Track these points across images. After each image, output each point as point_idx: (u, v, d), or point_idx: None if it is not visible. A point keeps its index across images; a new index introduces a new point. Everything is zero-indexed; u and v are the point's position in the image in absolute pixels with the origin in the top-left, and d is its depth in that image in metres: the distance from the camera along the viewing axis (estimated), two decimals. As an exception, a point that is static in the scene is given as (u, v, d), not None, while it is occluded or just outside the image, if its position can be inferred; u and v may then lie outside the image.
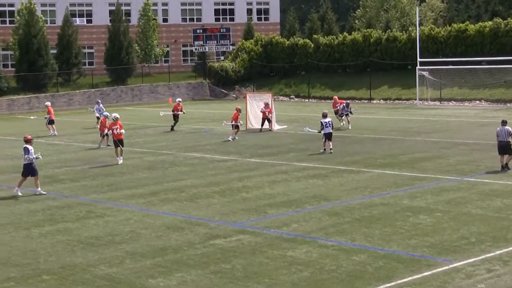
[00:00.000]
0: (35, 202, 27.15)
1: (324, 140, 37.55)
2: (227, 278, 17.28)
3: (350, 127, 46.63)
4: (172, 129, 50.32)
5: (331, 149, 37.27)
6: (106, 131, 39.28)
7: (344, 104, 47.85)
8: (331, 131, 37.64)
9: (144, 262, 18.83)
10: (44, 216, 24.81)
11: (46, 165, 36.40)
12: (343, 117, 47.57)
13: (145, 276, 17.64)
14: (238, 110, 44.71)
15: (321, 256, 18.83)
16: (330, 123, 37.45)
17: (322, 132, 37.43)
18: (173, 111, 52.05)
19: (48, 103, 54.73)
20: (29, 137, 29.51)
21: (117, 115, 37.79)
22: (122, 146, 36.72)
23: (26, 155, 28.27)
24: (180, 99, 55.47)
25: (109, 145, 41.20)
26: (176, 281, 17.16)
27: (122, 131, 37.03)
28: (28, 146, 28.58)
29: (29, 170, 28.53)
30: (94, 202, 26.86)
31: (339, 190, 27.75)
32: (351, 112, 46.97)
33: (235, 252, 19.50)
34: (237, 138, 44.11)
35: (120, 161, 36.09)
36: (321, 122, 37.54)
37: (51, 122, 51.27)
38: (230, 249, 19.82)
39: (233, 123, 44.70)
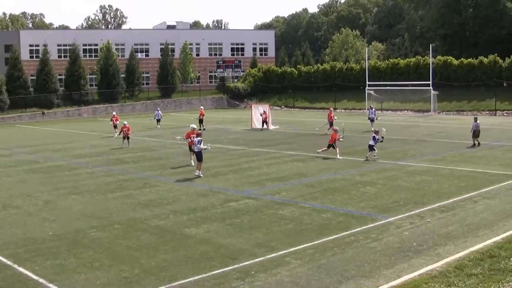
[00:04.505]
0: (110, 176, 27.20)
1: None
2: (238, 228, 17.32)
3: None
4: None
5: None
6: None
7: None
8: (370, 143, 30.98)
9: (182, 217, 18.87)
10: (116, 185, 24.88)
11: (117, 151, 36.47)
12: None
13: (183, 226, 17.68)
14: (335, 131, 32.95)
15: (301, 214, 18.85)
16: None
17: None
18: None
19: (114, 113, 51.74)
20: (199, 132, 28.58)
21: (194, 126, 31.01)
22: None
23: (198, 145, 26.57)
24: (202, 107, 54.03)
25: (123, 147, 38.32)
26: (203, 230, 17.20)
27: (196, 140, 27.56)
28: (200, 138, 27.05)
29: (198, 156, 26.71)
30: (149, 177, 26.89)
31: (314, 170, 27.74)
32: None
33: (243, 211, 19.54)
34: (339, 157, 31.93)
35: (193, 163, 29.14)
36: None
37: (115, 126, 46.94)
38: (240, 209, 19.85)
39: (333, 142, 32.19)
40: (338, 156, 31.23)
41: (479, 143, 34.96)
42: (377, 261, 13.99)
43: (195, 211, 19.61)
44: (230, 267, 13.76)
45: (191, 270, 13.63)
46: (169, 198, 22.01)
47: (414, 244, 15.26)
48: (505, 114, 61.13)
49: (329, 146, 31.98)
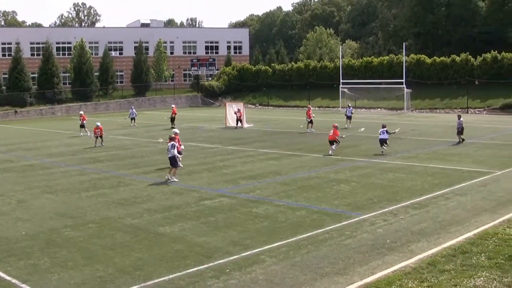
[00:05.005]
0: (84, 175, 27.01)
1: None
2: (212, 226, 17.31)
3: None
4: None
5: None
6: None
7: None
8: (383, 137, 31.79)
9: (156, 216, 18.81)
10: (90, 184, 24.72)
11: (91, 150, 36.21)
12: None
13: (157, 225, 17.62)
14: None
15: (276, 212, 18.90)
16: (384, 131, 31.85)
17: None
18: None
19: (81, 112, 51.02)
20: (173, 135, 25.95)
21: (177, 131, 28.50)
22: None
23: (172, 150, 24.85)
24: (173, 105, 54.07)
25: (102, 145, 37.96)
26: (178, 229, 17.16)
27: (182, 147, 28.25)
28: (174, 143, 25.09)
29: (172, 161, 25.05)
30: (123, 176, 26.77)
31: (288, 168, 27.80)
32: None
33: (218, 209, 19.52)
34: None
35: (181, 165, 27.30)
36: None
37: (82, 125, 46.10)
38: (214, 207, 19.84)
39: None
40: (331, 152, 31.44)
41: (463, 140, 35.48)
42: (351, 258, 14.08)
43: (170, 210, 19.55)
44: (204, 266, 13.75)
45: (166, 269, 13.59)
46: (143, 196, 21.92)
47: (388, 241, 15.38)
48: (476, 112, 61.84)
49: (331, 143, 31.77)
